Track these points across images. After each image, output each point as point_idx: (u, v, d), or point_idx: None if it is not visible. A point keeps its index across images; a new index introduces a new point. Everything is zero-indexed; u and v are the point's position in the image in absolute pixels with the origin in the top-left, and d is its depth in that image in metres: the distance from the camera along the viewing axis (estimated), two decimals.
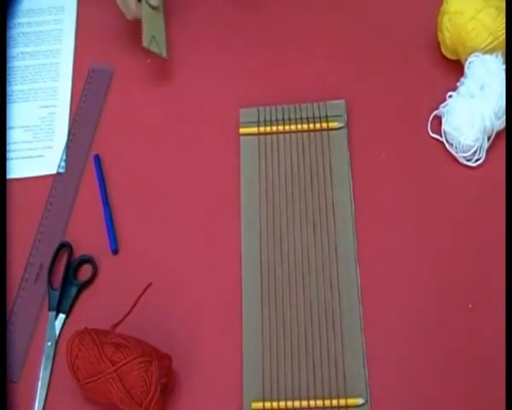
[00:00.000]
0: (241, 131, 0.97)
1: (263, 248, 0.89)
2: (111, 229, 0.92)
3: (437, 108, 0.95)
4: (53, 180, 0.96)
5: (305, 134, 0.96)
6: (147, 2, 0.99)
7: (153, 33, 1.00)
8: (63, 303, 0.88)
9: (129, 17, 1.00)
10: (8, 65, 1.06)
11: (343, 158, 0.94)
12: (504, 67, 0.92)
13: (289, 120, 0.97)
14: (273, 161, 0.95)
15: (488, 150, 0.92)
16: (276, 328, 0.85)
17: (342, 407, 0.80)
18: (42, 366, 0.85)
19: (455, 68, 0.97)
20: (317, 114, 0.96)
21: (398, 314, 0.85)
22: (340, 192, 0.92)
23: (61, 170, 0.97)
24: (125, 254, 0.91)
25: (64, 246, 0.91)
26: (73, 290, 0.89)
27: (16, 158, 0.99)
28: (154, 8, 1.00)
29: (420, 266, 0.87)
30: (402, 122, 0.96)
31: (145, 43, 0.98)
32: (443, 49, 0.99)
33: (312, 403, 0.80)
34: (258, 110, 0.98)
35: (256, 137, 0.97)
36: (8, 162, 0.98)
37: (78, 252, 0.91)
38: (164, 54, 1.00)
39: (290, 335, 0.84)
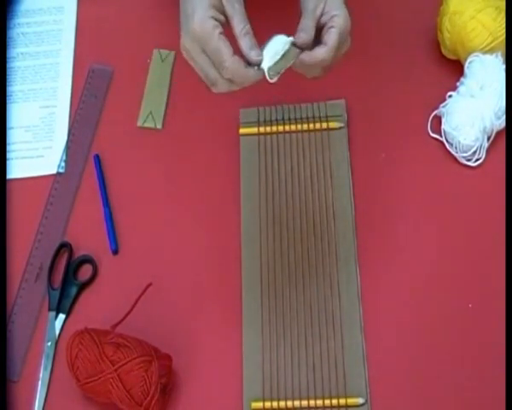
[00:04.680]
0: (241, 131, 0.97)
1: (263, 248, 0.89)
2: (111, 229, 0.92)
3: (437, 108, 0.95)
4: (53, 180, 0.96)
5: (305, 134, 0.96)
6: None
7: (151, 109, 0.99)
8: (63, 303, 0.88)
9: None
10: (8, 65, 1.05)
11: (343, 158, 0.94)
12: (504, 67, 0.92)
13: (289, 119, 0.97)
14: (273, 161, 0.95)
15: (488, 150, 0.92)
16: (276, 328, 0.85)
17: (342, 406, 0.80)
18: (42, 366, 0.85)
19: (455, 68, 0.97)
20: (316, 114, 0.96)
21: (397, 314, 0.85)
22: (340, 192, 0.92)
23: (61, 170, 0.97)
24: (125, 254, 0.91)
25: (64, 246, 0.91)
26: (73, 290, 0.89)
27: (16, 158, 0.99)
28: None
29: (420, 266, 0.87)
30: (402, 122, 0.96)
31: (139, 123, 0.98)
32: (443, 50, 0.99)
33: (312, 403, 0.80)
34: (258, 110, 0.98)
35: (256, 137, 0.97)
36: (8, 162, 0.98)
37: (78, 252, 0.91)
38: (159, 125, 0.99)
39: (290, 335, 0.84)
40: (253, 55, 0.72)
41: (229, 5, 0.72)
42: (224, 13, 0.72)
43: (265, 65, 0.73)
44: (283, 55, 0.74)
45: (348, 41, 0.77)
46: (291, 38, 0.75)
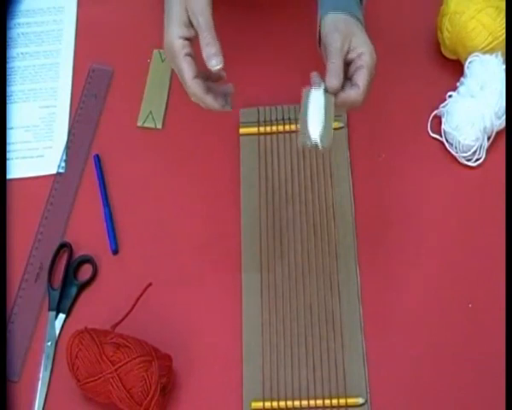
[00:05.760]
0: (241, 131, 0.97)
1: (263, 248, 0.89)
2: (111, 229, 0.92)
3: (437, 108, 0.95)
4: (53, 180, 0.96)
5: None
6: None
7: (151, 109, 0.99)
8: (63, 303, 0.88)
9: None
10: (8, 65, 1.05)
11: (343, 158, 0.94)
12: (504, 67, 0.92)
13: (289, 119, 0.97)
14: (273, 161, 0.95)
15: (488, 150, 0.92)
16: (276, 328, 0.85)
17: (342, 406, 0.80)
18: (42, 366, 0.85)
19: (455, 68, 0.97)
20: None
21: (397, 314, 0.85)
22: (340, 192, 0.92)
23: (61, 170, 0.97)
24: (125, 254, 0.91)
25: (64, 246, 0.91)
26: (73, 290, 0.89)
27: (16, 158, 0.99)
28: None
29: (420, 266, 0.87)
30: (402, 122, 0.96)
31: (139, 123, 0.99)
32: (443, 50, 0.99)
33: (312, 403, 0.80)
34: (258, 110, 0.98)
35: (256, 137, 0.97)
36: (8, 162, 0.98)
37: (78, 252, 0.91)
38: (159, 126, 0.99)
39: (290, 335, 0.84)
40: (213, 63, 0.74)
41: (194, 20, 0.74)
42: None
43: (316, 136, 0.74)
44: (325, 111, 0.74)
45: (374, 73, 0.77)
46: (323, 87, 0.75)
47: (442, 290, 0.86)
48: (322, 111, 0.74)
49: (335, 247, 0.89)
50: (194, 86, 0.74)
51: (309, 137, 0.74)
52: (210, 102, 0.75)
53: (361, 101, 0.76)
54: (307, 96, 0.75)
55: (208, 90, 0.75)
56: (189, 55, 0.74)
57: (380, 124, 0.96)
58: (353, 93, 0.75)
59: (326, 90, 0.75)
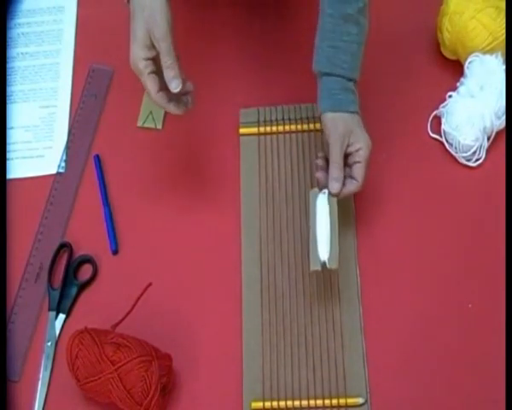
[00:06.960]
0: (241, 131, 0.97)
1: (263, 249, 0.89)
2: (111, 229, 0.92)
3: (437, 108, 0.95)
4: (53, 180, 0.96)
5: (305, 134, 0.96)
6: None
7: (151, 109, 1.00)
8: (63, 303, 0.88)
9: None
10: (8, 65, 1.06)
11: None
12: (504, 67, 0.92)
13: (289, 119, 0.97)
14: (273, 161, 0.95)
15: (488, 150, 0.92)
16: (276, 328, 0.85)
17: (342, 406, 0.80)
18: (42, 366, 0.85)
19: (455, 68, 0.97)
20: (316, 114, 0.96)
21: (397, 314, 0.85)
22: None
23: (61, 170, 0.97)
24: (125, 254, 0.91)
25: (64, 246, 0.91)
26: (73, 290, 0.89)
27: (16, 158, 0.99)
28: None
29: (420, 266, 0.87)
30: (402, 122, 0.96)
31: (139, 123, 0.99)
32: (443, 50, 0.99)
33: (312, 403, 0.80)
34: (258, 110, 0.98)
35: (256, 137, 0.97)
36: (8, 162, 0.98)
37: (78, 252, 0.91)
38: (159, 126, 0.99)
39: (290, 335, 0.84)
40: (172, 86, 0.80)
41: (156, 44, 0.80)
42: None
43: (325, 257, 0.81)
44: (331, 218, 0.82)
45: (369, 161, 0.84)
46: (327, 192, 0.83)
47: (442, 290, 0.86)
48: (328, 220, 0.82)
49: None
50: (157, 99, 0.81)
51: (319, 258, 0.81)
52: (173, 109, 0.83)
53: (360, 190, 0.84)
54: (314, 201, 0.84)
55: (171, 96, 0.82)
56: (152, 72, 0.81)
57: (380, 124, 0.96)
58: (353, 187, 0.84)
59: (330, 193, 0.83)
